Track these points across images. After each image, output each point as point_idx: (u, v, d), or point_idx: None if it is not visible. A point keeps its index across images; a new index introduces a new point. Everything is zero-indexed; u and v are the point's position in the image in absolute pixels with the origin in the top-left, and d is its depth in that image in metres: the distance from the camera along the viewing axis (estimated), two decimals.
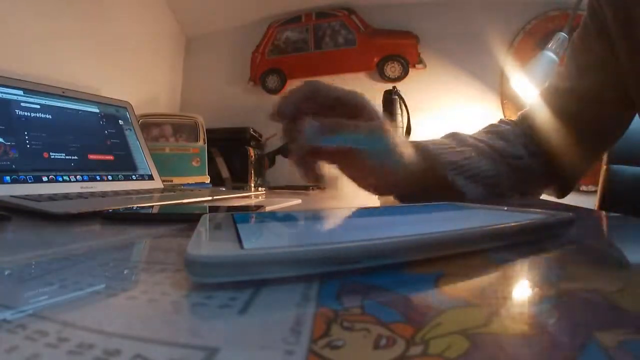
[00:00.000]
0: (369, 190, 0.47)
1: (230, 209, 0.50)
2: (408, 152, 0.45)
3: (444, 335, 0.12)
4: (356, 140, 0.38)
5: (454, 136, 0.55)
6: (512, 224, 0.25)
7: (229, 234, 0.21)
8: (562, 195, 0.66)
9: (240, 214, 0.32)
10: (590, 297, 0.16)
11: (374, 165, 0.42)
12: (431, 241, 0.21)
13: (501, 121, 0.63)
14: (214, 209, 0.47)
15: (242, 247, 0.18)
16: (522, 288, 0.17)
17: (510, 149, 0.55)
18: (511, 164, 0.54)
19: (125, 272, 0.21)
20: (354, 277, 0.18)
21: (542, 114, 0.61)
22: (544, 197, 0.65)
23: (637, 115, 0.59)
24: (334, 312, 0.14)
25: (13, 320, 0.13)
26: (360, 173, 0.45)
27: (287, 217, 0.32)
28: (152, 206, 0.52)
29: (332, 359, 0.11)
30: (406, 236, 0.21)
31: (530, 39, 1.46)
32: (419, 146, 0.49)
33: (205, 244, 0.19)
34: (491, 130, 0.60)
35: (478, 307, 0.15)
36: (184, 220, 0.39)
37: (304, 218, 0.31)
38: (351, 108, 0.42)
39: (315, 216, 0.31)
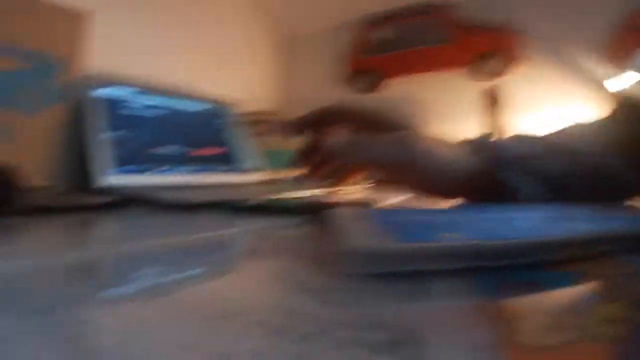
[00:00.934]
0: (430, 196, 0.45)
1: (343, 203, 0.50)
2: (452, 153, 0.43)
3: None
4: (385, 154, 0.38)
5: (518, 136, 0.51)
6: None
7: (373, 227, 0.23)
8: None
9: (371, 209, 0.33)
10: None
11: (415, 172, 0.40)
12: (580, 240, 0.22)
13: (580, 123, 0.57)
14: (326, 205, 0.47)
15: (398, 240, 0.19)
16: None
17: (586, 147, 0.49)
18: (586, 162, 0.47)
19: (278, 263, 0.23)
20: (500, 273, 0.19)
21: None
22: None
23: None
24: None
25: None
26: (409, 182, 0.43)
27: (415, 213, 0.33)
28: (268, 198, 0.54)
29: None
30: (560, 234, 0.22)
31: (630, 35, 1.35)
32: (475, 144, 0.45)
33: (359, 236, 0.21)
34: (566, 129, 0.54)
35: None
36: (302, 212, 0.41)
37: (435, 214, 0.32)
38: None
39: (444, 212, 0.32)
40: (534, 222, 0.27)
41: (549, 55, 1.41)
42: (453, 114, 1.52)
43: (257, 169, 0.93)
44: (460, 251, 0.19)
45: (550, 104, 1.38)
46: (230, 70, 1.40)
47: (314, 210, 0.38)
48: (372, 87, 1.65)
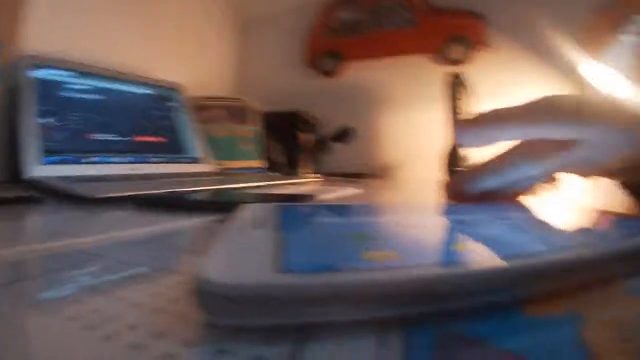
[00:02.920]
0: None
1: (279, 197, 0.45)
2: None
3: None
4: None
5: None
6: None
7: (269, 242, 0.15)
8: None
9: (291, 207, 0.26)
10: None
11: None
12: (560, 265, 0.14)
13: None
14: (261, 197, 0.42)
15: (282, 268, 0.12)
16: None
17: None
18: None
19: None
20: (448, 323, 0.12)
21: None
22: None
23: None
24: None
25: None
26: None
27: (349, 212, 0.26)
28: (192, 191, 0.48)
29: None
30: (529, 257, 0.14)
31: (605, 22, 1.32)
32: None
33: (228, 260, 0.13)
34: None
35: None
36: (222, 209, 0.34)
37: (371, 217, 0.24)
38: None
39: (386, 216, 0.24)
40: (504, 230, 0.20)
41: (516, 41, 1.37)
42: (417, 99, 1.47)
43: (205, 159, 0.86)
44: (383, 289, 0.12)
45: (516, 90, 1.35)
46: (182, 52, 1.30)
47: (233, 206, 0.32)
48: (335, 70, 1.58)
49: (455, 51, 1.42)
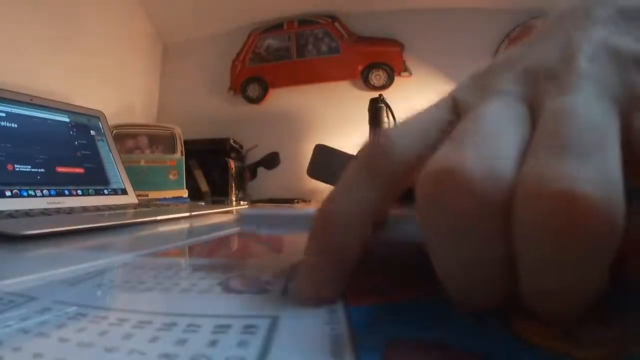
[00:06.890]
0: None
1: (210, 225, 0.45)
2: None
3: None
4: None
5: None
6: None
7: None
8: None
9: None
10: None
11: None
12: None
13: None
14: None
15: None
16: None
17: None
18: None
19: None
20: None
21: None
22: None
23: None
24: None
25: None
26: None
27: None
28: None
29: None
30: None
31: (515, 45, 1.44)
32: None
33: None
34: None
35: None
36: None
37: None
38: None
39: None
40: None
41: (432, 66, 1.46)
42: (341, 123, 1.52)
43: (126, 189, 0.83)
44: None
45: None
46: (104, 78, 1.26)
47: None
48: (260, 96, 1.60)
49: (377, 77, 1.49)
